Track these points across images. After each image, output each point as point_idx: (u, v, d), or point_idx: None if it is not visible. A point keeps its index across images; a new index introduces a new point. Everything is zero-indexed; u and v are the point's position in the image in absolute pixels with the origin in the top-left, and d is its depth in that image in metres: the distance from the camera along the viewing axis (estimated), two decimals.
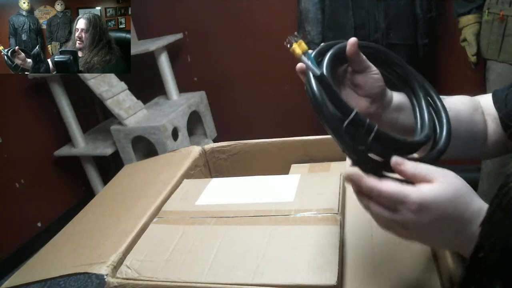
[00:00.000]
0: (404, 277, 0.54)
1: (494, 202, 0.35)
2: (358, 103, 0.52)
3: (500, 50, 1.41)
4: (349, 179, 0.44)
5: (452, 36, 1.78)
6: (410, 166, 0.42)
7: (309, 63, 0.45)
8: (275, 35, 2.24)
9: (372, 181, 0.42)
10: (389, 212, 0.41)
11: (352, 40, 0.48)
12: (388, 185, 0.41)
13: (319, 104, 0.43)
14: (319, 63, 0.48)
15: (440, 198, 0.39)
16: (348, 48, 0.49)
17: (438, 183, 0.40)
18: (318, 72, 0.44)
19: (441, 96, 0.56)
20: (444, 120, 0.52)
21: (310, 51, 0.47)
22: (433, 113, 0.53)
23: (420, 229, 0.40)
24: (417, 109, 0.53)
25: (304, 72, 0.47)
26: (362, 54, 0.50)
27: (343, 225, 0.63)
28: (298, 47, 0.46)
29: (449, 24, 1.81)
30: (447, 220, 0.39)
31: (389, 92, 0.54)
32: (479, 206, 0.40)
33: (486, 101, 0.62)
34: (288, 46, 0.47)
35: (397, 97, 0.54)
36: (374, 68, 0.51)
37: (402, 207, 0.40)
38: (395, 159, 0.42)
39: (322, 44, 0.51)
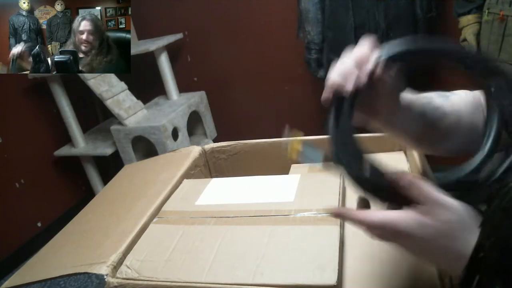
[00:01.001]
0: (404, 277, 0.54)
1: (494, 202, 0.35)
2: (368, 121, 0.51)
3: (500, 50, 1.41)
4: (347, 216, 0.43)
5: (452, 36, 1.78)
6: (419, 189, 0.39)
7: (314, 164, 0.44)
8: (275, 35, 2.25)
9: (360, 214, 0.41)
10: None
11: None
12: (378, 215, 0.40)
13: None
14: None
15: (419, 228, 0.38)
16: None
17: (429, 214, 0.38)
18: (320, 164, 0.43)
19: (445, 93, 0.55)
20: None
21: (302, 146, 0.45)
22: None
23: (410, 249, 0.41)
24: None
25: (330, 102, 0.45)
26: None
27: (343, 225, 0.63)
28: (293, 152, 0.45)
29: (449, 24, 1.81)
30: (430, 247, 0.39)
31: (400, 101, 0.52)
32: (461, 246, 0.37)
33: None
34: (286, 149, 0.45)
35: (405, 100, 0.53)
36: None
37: (389, 234, 0.40)
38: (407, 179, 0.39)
39: (385, 55, 0.46)
